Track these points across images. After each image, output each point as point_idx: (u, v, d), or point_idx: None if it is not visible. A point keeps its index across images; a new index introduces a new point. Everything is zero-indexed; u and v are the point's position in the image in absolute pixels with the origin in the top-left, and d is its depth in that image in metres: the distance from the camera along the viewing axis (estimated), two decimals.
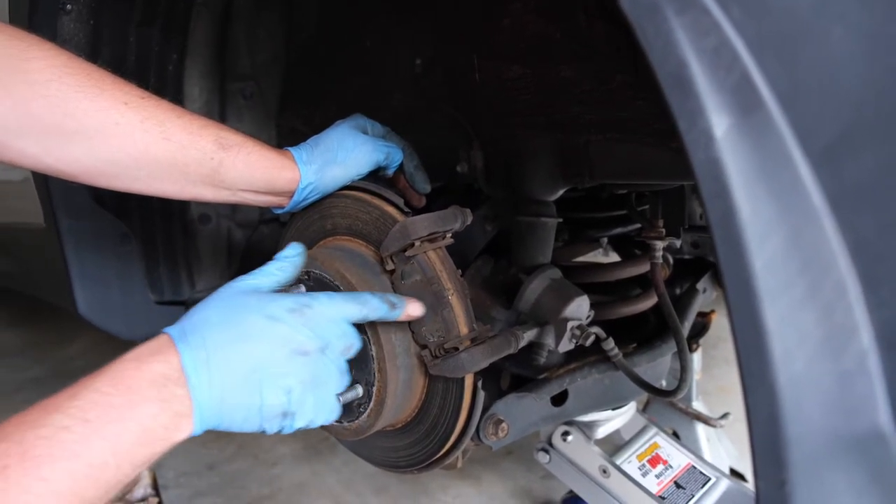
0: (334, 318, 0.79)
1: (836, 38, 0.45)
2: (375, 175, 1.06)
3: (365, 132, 1.04)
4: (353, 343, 0.81)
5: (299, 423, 0.76)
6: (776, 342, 0.48)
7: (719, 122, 0.46)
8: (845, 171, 0.47)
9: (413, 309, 0.88)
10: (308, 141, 0.99)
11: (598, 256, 1.69)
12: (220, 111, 1.54)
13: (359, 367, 0.91)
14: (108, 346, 3.28)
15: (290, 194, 0.97)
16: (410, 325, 0.94)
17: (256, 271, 0.82)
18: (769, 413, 0.48)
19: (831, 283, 0.48)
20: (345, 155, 0.97)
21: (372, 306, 0.83)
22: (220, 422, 0.71)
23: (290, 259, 0.85)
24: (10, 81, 0.74)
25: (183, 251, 1.61)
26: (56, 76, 0.76)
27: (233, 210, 1.66)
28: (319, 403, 0.78)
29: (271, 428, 0.74)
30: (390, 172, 1.08)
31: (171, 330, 0.72)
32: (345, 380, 0.81)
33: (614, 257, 1.64)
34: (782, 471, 0.49)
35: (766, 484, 0.50)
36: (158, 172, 0.85)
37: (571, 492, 1.82)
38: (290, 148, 0.97)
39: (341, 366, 0.80)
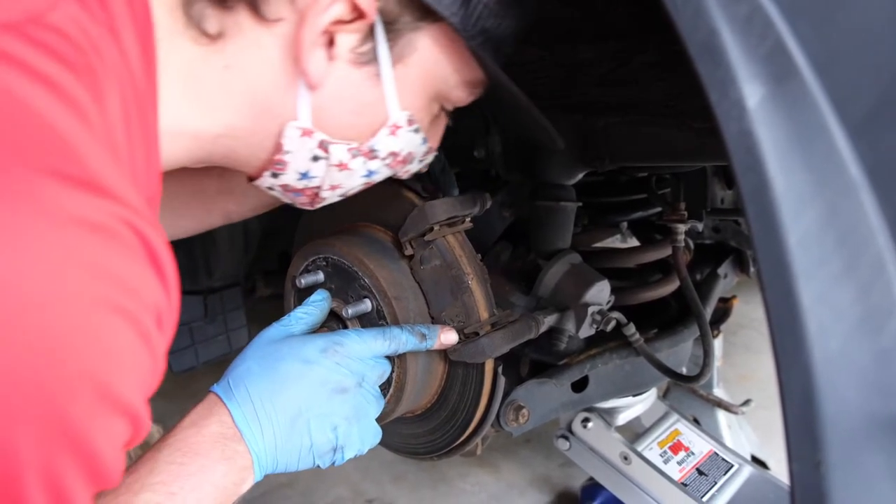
0: (365, 354, 0.81)
1: (875, 1, 0.43)
2: None
3: None
4: (385, 370, 0.85)
5: (349, 454, 0.80)
6: (811, 320, 0.46)
7: (752, 92, 0.45)
8: (884, 141, 0.45)
9: (447, 338, 0.89)
10: None
11: (615, 242, 1.67)
12: None
13: None
14: None
15: None
16: (430, 310, 0.93)
17: (285, 318, 0.86)
18: (804, 392, 0.47)
19: (869, 259, 0.47)
20: None
21: (401, 340, 0.84)
22: (277, 465, 0.74)
23: (316, 304, 0.90)
24: None
25: (199, 239, 1.60)
26: None
27: None
28: (364, 432, 0.81)
29: (324, 463, 0.78)
30: None
31: (217, 388, 0.76)
32: (381, 403, 0.85)
33: (631, 244, 1.62)
34: (818, 451, 0.47)
35: (800, 465, 0.48)
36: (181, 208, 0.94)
37: (591, 480, 1.81)
38: None
39: (377, 392, 0.84)
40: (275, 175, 0.73)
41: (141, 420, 0.53)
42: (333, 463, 0.79)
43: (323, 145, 0.70)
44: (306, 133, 0.69)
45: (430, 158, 0.84)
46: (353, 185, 0.78)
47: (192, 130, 0.67)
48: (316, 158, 0.71)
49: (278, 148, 0.70)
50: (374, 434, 0.84)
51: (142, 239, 0.49)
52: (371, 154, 0.74)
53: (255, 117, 0.67)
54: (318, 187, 0.76)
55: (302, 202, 0.80)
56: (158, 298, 0.51)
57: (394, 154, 0.76)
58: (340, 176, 0.75)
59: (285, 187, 0.76)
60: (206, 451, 0.69)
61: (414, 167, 0.83)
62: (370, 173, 0.77)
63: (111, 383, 0.48)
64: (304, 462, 0.77)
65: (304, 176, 0.74)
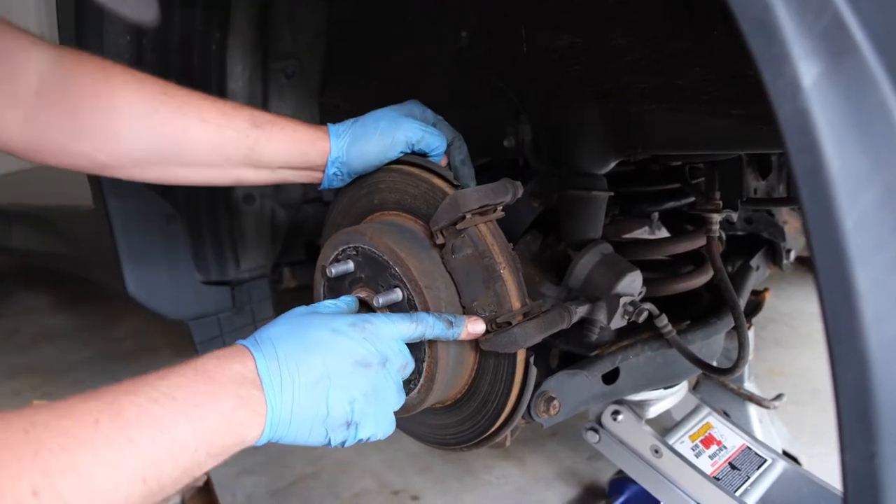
0: (392, 336, 0.82)
1: None
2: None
3: (414, 117, 1.01)
4: (408, 362, 0.85)
5: (362, 434, 0.79)
6: (867, 306, 0.45)
7: (808, 70, 0.43)
8: None
9: (474, 327, 0.88)
10: (350, 119, 1.00)
11: (642, 233, 1.64)
12: (263, 90, 1.54)
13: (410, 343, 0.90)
14: (153, 329, 3.34)
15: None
16: (461, 299, 0.92)
17: (314, 305, 0.87)
18: (858, 381, 0.45)
19: None
20: (375, 132, 0.97)
21: (427, 324, 0.84)
22: (289, 429, 0.73)
23: (345, 301, 0.91)
24: (69, 89, 0.82)
25: (228, 231, 1.61)
26: (102, 76, 0.85)
27: (276, 190, 1.66)
28: (380, 416, 0.81)
29: (336, 438, 0.77)
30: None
31: (244, 341, 0.76)
32: (401, 398, 0.85)
33: (659, 235, 1.60)
34: (872, 443, 0.46)
35: (853, 457, 0.47)
36: (199, 156, 0.92)
37: (619, 473, 1.80)
38: (330, 124, 0.99)
39: (398, 383, 0.84)
40: None
41: None
42: (344, 442, 0.77)
43: None
44: None
45: None
46: None
47: None
48: None
49: None
50: (390, 423, 0.83)
51: None
52: None
53: None
54: None
55: None
56: None
57: None
58: None
59: None
60: (222, 381, 0.68)
61: None
62: None
63: None
64: (316, 433, 0.75)
65: None
